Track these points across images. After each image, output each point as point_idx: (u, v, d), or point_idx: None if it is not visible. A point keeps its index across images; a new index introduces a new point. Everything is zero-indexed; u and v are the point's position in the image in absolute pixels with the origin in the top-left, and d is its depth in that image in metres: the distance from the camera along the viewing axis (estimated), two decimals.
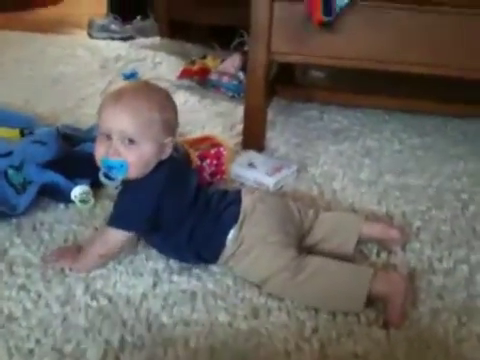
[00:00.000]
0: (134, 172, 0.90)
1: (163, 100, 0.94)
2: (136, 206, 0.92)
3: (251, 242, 0.94)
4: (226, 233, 0.95)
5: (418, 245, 1.06)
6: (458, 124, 1.62)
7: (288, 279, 0.89)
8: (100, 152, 0.91)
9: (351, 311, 0.88)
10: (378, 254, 1.03)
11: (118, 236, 0.93)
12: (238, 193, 1.02)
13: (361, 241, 1.03)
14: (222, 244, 0.95)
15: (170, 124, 0.94)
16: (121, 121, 0.88)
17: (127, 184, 0.93)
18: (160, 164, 0.93)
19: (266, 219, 0.97)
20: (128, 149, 0.89)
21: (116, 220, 0.93)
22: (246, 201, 0.99)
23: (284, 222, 0.98)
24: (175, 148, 0.97)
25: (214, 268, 0.98)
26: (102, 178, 0.92)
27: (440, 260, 1.02)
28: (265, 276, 0.91)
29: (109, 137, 0.90)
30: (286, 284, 0.89)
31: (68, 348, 0.80)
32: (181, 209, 0.95)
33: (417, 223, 1.14)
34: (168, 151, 0.94)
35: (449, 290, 0.95)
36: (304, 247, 0.99)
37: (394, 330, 0.85)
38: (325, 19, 1.15)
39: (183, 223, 0.95)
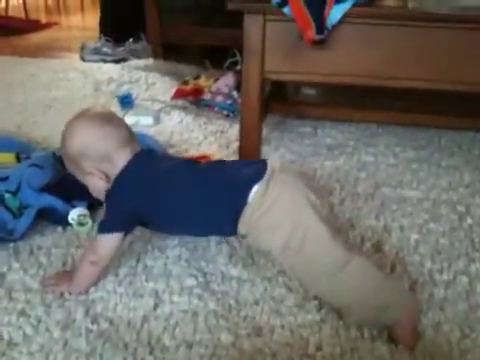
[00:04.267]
0: (99, 197, 1.02)
1: (69, 133, 1.00)
2: (111, 210, 0.97)
3: (283, 209, 0.89)
4: (248, 188, 0.90)
5: (418, 258, 1.06)
6: (452, 135, 1.64)
7: (331, 275, 0.87)
8: None
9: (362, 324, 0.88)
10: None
11: (104, 241, 0.95)
12: (263, 160, 1.00)
13: None
14: (243, 202, 0.90)
15: (83, 153, 0.97)
16: None
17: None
18: (122, 170, 0.97)
19: (296, 181, 0.93)
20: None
21: (99, 227, 0.97)
22: (272, 163, 0.95)
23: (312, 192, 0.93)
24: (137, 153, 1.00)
25: (215, 286, 0.97)
26: None
27: (440, 272, 1.02)
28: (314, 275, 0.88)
29: None
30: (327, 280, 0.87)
31: None
32: (169, 195, 0.96)
33: (415, 236, 1.14)
34: (110, 168, 0.97)
35: (450, 302, 0.95)
36: None
37: (399, 345, 0.84)
38: (317, 37, 1.17)
39: (186, 204, 0.96)
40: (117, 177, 0.98)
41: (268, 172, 0.92)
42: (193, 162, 1.07)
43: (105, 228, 0.95)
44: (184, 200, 0.96)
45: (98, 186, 0.99)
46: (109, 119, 1.01)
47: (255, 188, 0.91)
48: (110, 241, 0.95)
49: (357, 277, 0.86)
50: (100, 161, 0.98)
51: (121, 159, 0.98)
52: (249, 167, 0.96)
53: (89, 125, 0.99)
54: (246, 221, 0.92)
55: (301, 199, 0.90)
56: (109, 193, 0.98)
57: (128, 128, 1.03)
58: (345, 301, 0.88)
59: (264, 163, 0.95)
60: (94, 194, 1.03)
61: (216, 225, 0.98)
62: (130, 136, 1.01)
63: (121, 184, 0.97)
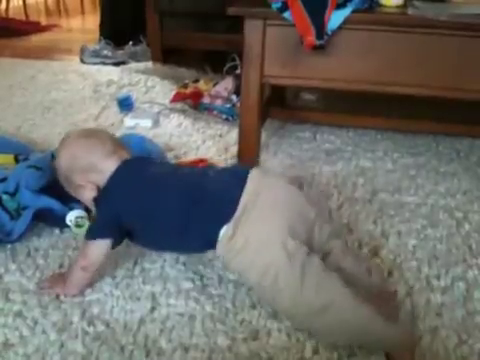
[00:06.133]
0: (89, 206, 1.07)
1: (58, 152, 1.05)
2: (98, 217, 1.00)
3: (250, 255, 0.86)
4: (218, 225, 0.89)
5: (415, 263, 1.07)
6: (450, 142, 1.64)
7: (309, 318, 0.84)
8: None
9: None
10: None
11: (93, 246, 0.95)
12: (245, 174, 0.94)
13: None
14: (214, 237, 0.89)
15: (70, 167, 1.02)
16: None
17: None
18: (110, 178, 0.99)
19: (270, 218, 0.88)
20: None
21: (88, 232, 0.98)
22: (249, 189, 0.91)
23: (293, 219, 0.88)
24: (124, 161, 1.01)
25: (212, 290, 0.97)
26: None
27: (437, 278, 1.02)
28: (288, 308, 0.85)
29: None
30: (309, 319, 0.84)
31: None
32: (151, 206, 0.95)
33: (413, 241, 1.14)
34: (98, 177, 1.00)
35: (447, 307, 0.95)
36: None
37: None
38: (317, 42, 1.17)
39: (169, 217, 0.94)
40: (105, 184, 1.00)
41: (239, 209, 0.88)
42: (178, 169, 1.05)
43: (92, 234, 0.96)
44: (163, 215, 0.94)
45: (88, 197, 1.02)
46: (93, 133, 1.08)
47: (224, 229, 0.88)
48: (98, 247, 0.95)
49: (337, 320, 0.81)
50: (87, 172, 1.00)
51: (108, 167, 1.00)
52: (225, 193, 0.92)
53: (73, 140, 1.05)
54: (219, 254, 0.91)
55: (272, 242, 0.85)
56: (97, 200, 1.01)
57: (114, 140, 1.06)
58: (329, 339, 0.85)
59: (241, 188, 0.90)
60: (88, 205, 1.06)
61: (192, 247, 0.98)
62: (116, 147, 1.03)
63: (108, 190, 0.99)
